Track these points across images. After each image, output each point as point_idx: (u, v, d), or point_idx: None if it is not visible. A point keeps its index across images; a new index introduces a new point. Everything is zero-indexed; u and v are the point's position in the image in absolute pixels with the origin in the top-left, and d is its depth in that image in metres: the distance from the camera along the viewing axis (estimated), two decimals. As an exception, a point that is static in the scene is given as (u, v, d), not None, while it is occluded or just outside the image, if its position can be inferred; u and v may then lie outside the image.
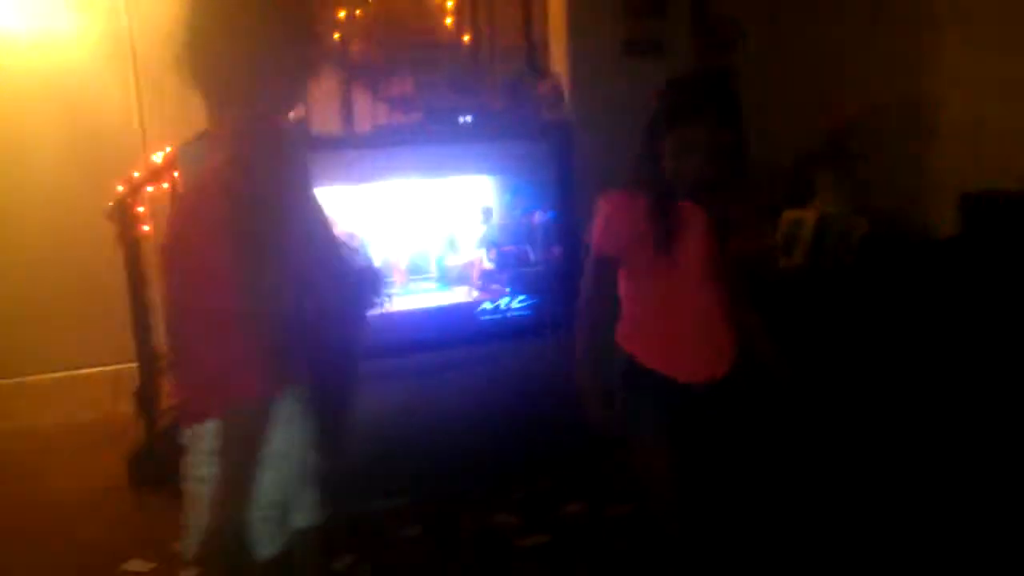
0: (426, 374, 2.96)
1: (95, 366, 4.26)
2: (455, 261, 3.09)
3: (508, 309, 3.12)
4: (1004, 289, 2.43)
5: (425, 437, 2.89)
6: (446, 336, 3.04)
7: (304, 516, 1.52)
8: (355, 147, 2.99)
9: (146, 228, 3.47)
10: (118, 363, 4.07)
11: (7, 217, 4.09)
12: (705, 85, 1.76)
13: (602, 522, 2.73)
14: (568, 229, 3.11)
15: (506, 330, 3.11)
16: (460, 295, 3.10)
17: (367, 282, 1.56)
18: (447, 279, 3.10)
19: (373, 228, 2.97)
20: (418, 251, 3.07)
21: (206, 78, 1.43)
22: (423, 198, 3.02)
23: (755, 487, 2.18)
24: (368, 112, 4.11)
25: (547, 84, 3.37)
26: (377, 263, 2.82)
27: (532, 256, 3.15)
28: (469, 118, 3.20)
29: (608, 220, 1.78)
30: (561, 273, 3.10)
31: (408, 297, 3.03)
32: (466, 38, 3.93)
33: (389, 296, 1.62)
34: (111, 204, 3.29)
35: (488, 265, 3.11)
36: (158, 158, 3.65)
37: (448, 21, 4.07)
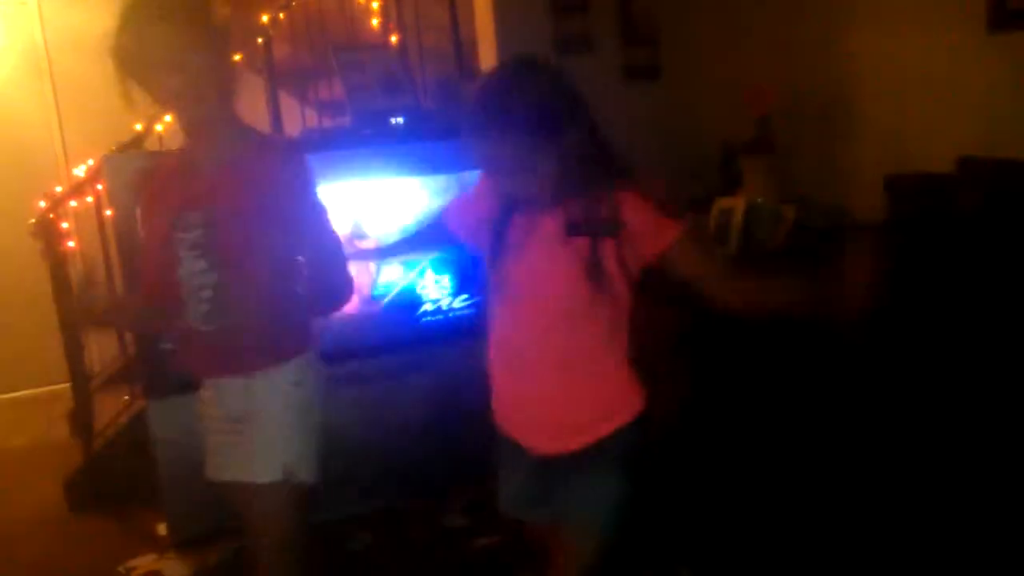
0: (374, 378, 2.96)
1: (26, 388, 4.14)
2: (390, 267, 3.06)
3: (450, 309, 3.12)
4: (932, 268, 2.50)
5: (373, 444, 2.87)
6: (390, 339, 3.03)
7: (308, 473, 1.65)
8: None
9: (71, 244, 3.38)
10: (51, 384, 3.97)
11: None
12: (486, 92, 1.41)
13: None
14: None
15: (448, 331, 3.10)
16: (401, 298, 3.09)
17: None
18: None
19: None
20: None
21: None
22: (357, 200, 2.99)
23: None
24: (297, 116, 4.07)
25: (476, 83, 3.38)
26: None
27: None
28: (400, 119, 3.19)
29: (466, 196, 1.56)
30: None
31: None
32: (393, 39, 3.91)
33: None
34: (34, 221, 3.20)
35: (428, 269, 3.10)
36: (80, 171, 3.56)
37: (374, 22, 4.05)
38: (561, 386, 1.42)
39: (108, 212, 3.06)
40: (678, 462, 2.75)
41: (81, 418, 3.32)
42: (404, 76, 3.38)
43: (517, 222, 1.42)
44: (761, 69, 3.42)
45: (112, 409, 3.36)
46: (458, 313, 3.13)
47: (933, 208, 2.65)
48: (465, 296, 3.13)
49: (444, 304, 3.11)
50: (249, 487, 1.61)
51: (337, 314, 1.74)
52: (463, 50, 3.83)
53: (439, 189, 3.00)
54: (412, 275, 3.07)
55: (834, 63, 3.16)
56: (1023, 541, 2.02)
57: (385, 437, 2.92)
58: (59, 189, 3.47)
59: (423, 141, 3.03)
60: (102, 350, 3.79)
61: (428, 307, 3.10)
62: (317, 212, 1.61)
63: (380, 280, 3.03)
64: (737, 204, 3.02)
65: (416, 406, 3.02)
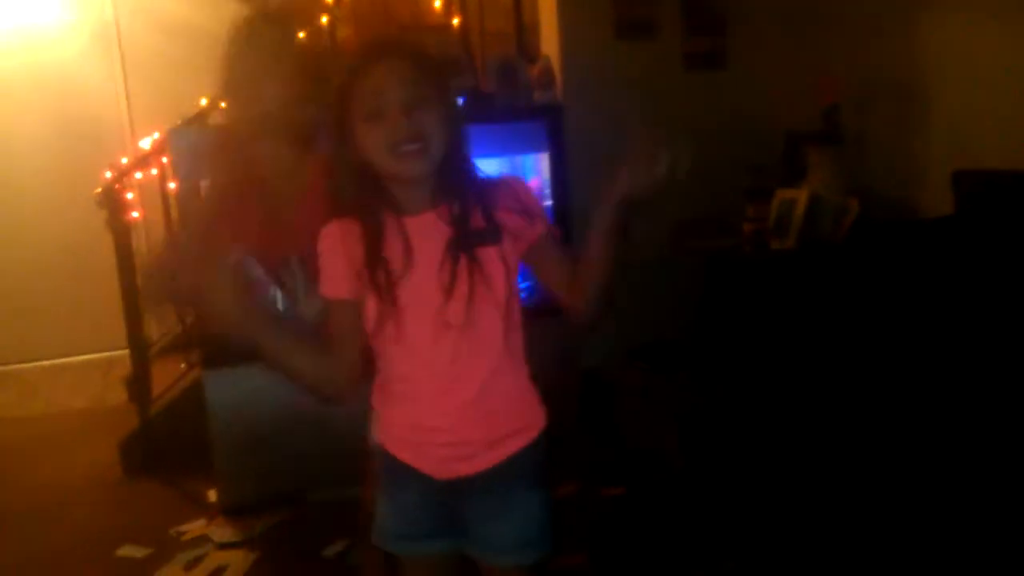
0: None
1: (85, 353, 4.25)
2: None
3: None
4: (997, 268, 2.43)
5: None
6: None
7: None
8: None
9: (135, 214, 3.46)
10: (109, 350, 4.07)
11: (-4, 207, 4.10)
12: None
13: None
14: (562, 210, 3.10)
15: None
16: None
17: None
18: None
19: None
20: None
21: None
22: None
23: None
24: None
25: (538, 67, 3.35)
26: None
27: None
28: (460, 101, 3.18)
29: (324, 259, 1.34)
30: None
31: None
32: (455, 21, 3.90)
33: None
34: (99, 191, 3.27)
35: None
36: (146, 144, 3.63)
37: (437, 4, 4.05)
38: (472, 404, 1.30)
39: (172, 184, 3.12)
40: (723, 461, 2.73)
41: (138, 384, 3.39)
42: (465, 58, 3.38)
43: (391, 247, 1.29)
44: (829, 57, 3.33)
45: (169, 377, 3.44)
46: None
47: (1001, 206, 2.56)
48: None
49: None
50: None
51: None
52: (524, 34, 3.81)
53: (497, 171, 2.99)
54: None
55: (907, 52, 3.06)
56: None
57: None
58: (125, 161, 3.54)
59: (483, 123, 3.02)
60: (160, 319, 3.87)
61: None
62: None
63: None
64: (800, 196, 2.95)
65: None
